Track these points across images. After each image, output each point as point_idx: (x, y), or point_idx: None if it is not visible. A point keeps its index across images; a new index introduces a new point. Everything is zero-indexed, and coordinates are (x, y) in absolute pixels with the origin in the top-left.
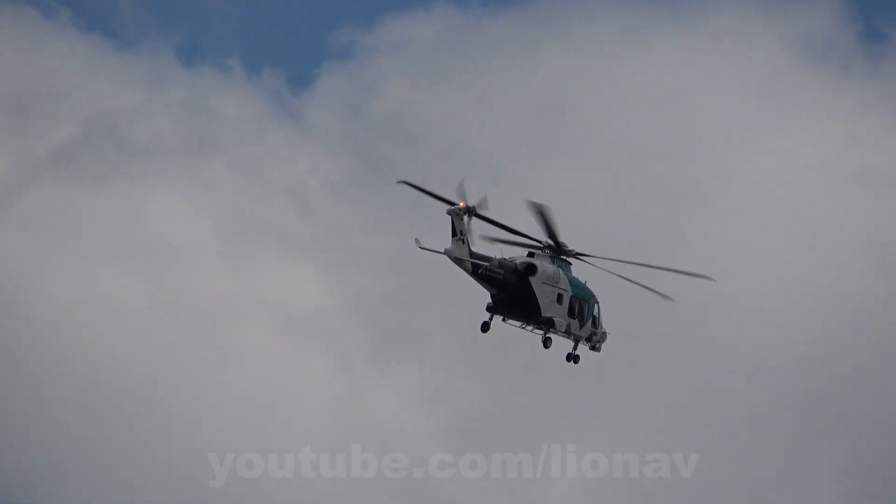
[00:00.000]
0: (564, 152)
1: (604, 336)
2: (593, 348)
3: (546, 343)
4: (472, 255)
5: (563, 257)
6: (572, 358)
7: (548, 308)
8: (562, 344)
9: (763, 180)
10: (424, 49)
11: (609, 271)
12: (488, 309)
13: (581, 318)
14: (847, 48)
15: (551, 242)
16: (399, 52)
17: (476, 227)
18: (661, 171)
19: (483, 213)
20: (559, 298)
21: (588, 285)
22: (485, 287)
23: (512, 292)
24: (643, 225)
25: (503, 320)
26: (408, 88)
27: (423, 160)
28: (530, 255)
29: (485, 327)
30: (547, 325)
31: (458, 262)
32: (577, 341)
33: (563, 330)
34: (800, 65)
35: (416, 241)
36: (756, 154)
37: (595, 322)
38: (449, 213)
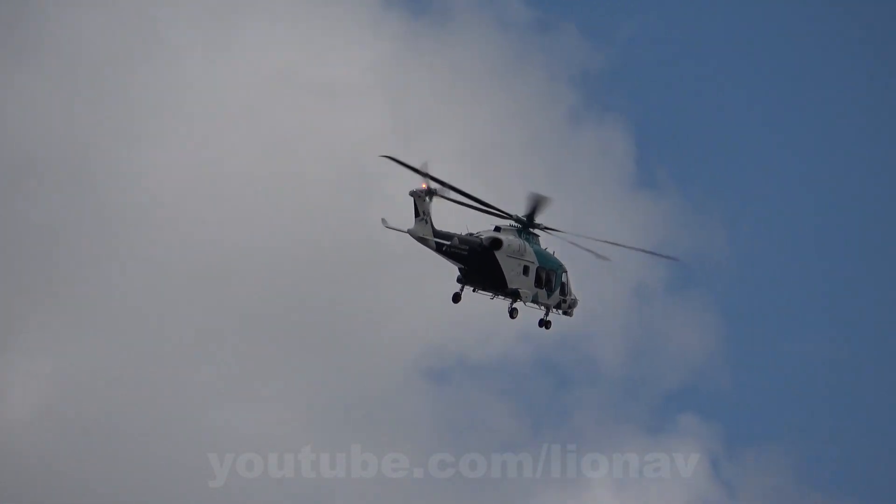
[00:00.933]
0: (18, 56)
1: (574, 302)
2: (565, 313)
3: (512, 314)
4: (436, 233)
5: (531, 230)
6: (544, 324)
7: (514, 280)
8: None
9: (222, 91)
10: None
11: (569, 244)
12: (458, 280)
13: (549, 288)
14: None
15: (524, 219)
16: None
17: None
18: (116, 81)
19: (440, 191)
20: (525, 270)
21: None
22: (451, 263)
23: (478, 267)
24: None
25: (473, 291)
26: None
27: None
28: (496, 229)
29: (456, 298)
30: (513, 296)
31: (422, 241)
32: (547, 308)
33: (531, 300)
34: None
35: (383, 220)
36: (214, 64)
37: (564, 290)
38: (411, 194)
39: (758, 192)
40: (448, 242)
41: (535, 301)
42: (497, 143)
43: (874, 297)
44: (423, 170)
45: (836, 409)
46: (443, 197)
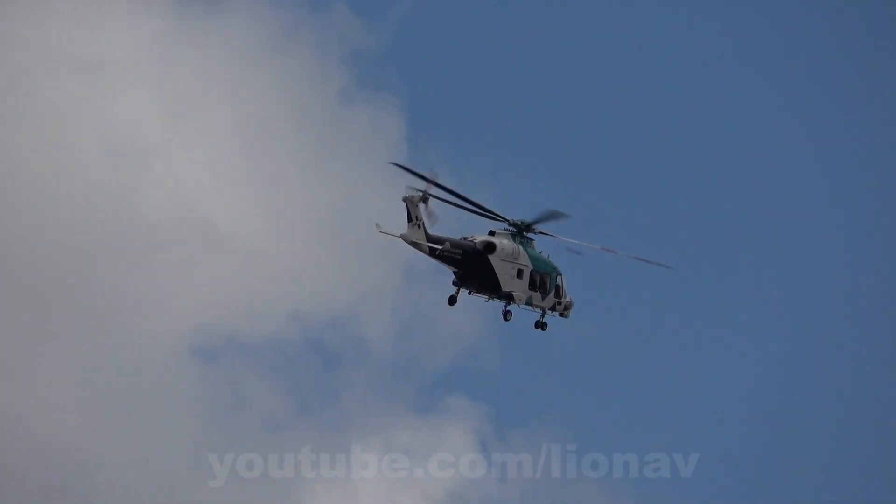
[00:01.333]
0: None
1: (570, 304)
2: (562, 315)
3: (506, 316)
4: (429, 238)
5: (526, 234)
6: (540, 325)
7: (507, 283)
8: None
9: None
10: None
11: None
12: (454, 283)
13: (543, 290)
14: None
15: (520, 224)
16: None
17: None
18: None
19: (435, 193)
20: (519, 273)
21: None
22: (446, 266)
23: (472, 270)
24: None
25: (469, 293)
26: None
27: None
28: (491, 233)
29: (452, 300)
30: (507, 298)
31: (415, 245)
32: (543, 310)
33: (525, 302)
34: None
35: (377, 225)
36: None
37: (559, 292)
38: (404, 200)
39: (529, 172)
40: (441, 247)
41: (529, 303)
42: (267, 122)
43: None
44: (430, 177)
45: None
46: (431, 196)
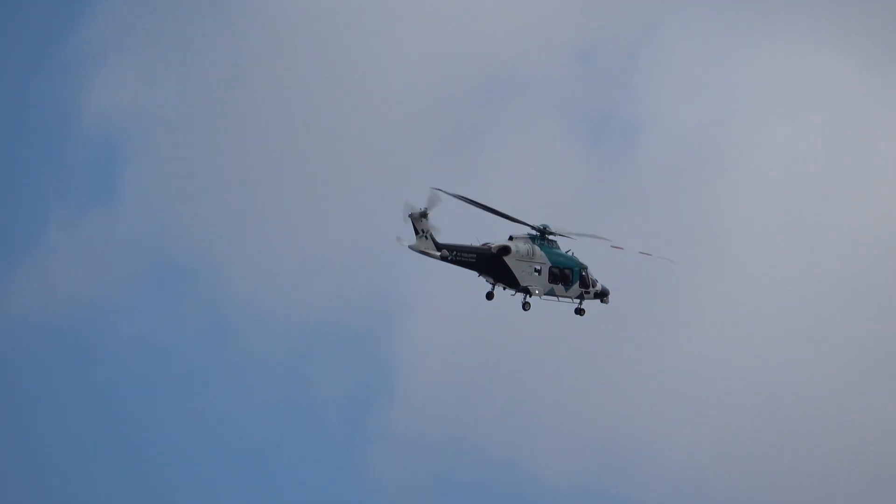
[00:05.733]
0: None
1: (604, 291)
2: (602, 301)
3: (524, 307)
4: (438, 246)
5: (547, 236)
6: (579, 311)
7: (525, 279)
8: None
9: None
10: None
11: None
12: (487, 281)
13: (566, 283)
14: None
15: (541, 228)
16: None
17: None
18: None
19: (434, 210)
20: (538, 271)
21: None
22: (463, 268)
23: (489, 270)
24: None
25: (503, 289)
26: None
27: None
28: (510, 238)
29: (489, 296)
30: (525, 292)
31: (425, 254)
32: (579, 300)
33: (546, 293)
34: None
35: (398, 238)
36: None
37: (585, 283)
38: (409, 217)
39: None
40: (450, 253)
41: (551, 294)
42: None
43: None
44: (466, 197)
45: None
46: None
